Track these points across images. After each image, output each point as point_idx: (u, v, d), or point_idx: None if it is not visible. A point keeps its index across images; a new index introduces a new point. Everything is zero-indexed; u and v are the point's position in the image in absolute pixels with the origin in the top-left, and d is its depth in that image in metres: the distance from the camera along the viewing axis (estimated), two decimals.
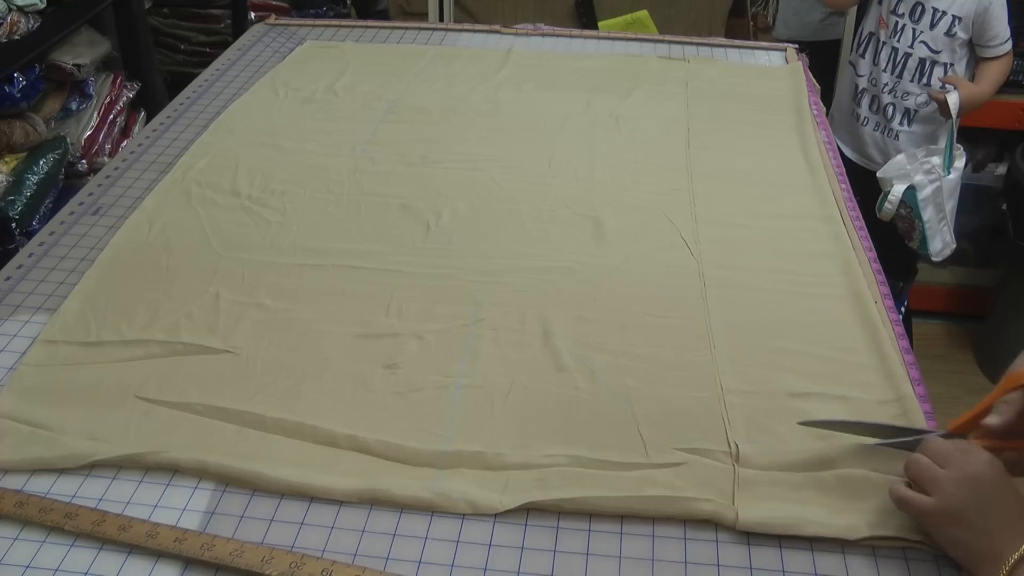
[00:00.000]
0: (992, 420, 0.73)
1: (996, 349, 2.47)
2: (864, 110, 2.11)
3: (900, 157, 1.95)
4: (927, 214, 1.92)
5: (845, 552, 0.71)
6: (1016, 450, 0.74)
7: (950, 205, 1.97)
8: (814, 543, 0.72)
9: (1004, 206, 2.43)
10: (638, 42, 1.69)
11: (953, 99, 1.88)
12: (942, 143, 1.98)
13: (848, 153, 2.19)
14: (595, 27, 2.50)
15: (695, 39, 1.70)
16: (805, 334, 0.94)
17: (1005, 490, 0.69)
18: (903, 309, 2.32)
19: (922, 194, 1.92)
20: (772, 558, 0.71)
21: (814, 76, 1.56)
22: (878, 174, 1.95)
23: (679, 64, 1.57)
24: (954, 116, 1.89)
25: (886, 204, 1.92)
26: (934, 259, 1.99)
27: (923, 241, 1.96)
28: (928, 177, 1.91)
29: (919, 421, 0.82)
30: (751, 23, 2.64)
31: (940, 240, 1.97)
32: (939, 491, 0.70)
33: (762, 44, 1.72)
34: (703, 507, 0.73)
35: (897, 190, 1.91)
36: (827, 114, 2.33)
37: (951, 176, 1.93)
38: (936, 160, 1.91)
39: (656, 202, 1.16)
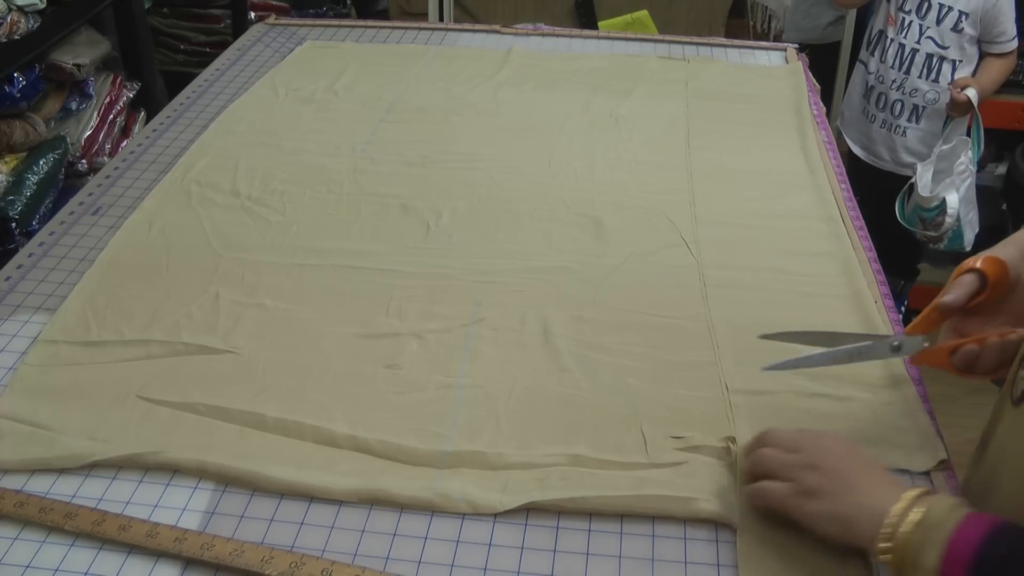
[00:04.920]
0: (947, 298, 0.74)
1: None
2: (873, 107, 2.11)
3: (921, 168, 1.95)
4: (961, 210, 1.93)
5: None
6: (977, 343, 0.75)
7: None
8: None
9: (1004, 206, 2.43)
10: (638, 42, 1.69)
11: (972, 94, 1.91)
12: (945, 143, 1.98)
13: (858, 151, 2.19)
14: (595, 27, 2.50)
15: (695, 39, 1.70)
16: None
17: (858, 457, 0.70)
18: (903, 309, 2.32)
19: (959, 194, 1.93)
20: None
21: (816, 77, 1.56)
22: (920, 192, 1.95)
23: (679, 64, 1.57)
24: (975, 108, 1.92)
25: (947, 220, 1.92)
26: (967, 249, 2.00)
27: (955, 238, 1.97)
28: (961, 177, 1.92)
29: (924, 425, 0.82)
30: (751, 24, 2.64)
31: (971, 230, 1.99)
32: (794, 474, 0.70)
33: (762, 44, 1.72)
34: (703, 507, 0.73)
35: (953, 201, 1.91)
36: (835, 112, 2.34)
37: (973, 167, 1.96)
38: (965, 158, 1.92)
39: (656, 202, 1.16)
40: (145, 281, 1.00)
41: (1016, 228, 2.40)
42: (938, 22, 1.96)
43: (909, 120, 2.06)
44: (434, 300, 0.98)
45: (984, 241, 2.01)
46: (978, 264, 0.75)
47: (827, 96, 2.44)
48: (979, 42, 1.99)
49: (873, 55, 2.09)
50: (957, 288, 0.75)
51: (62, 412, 0.82)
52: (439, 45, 1.65)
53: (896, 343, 0.77)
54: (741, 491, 0.74)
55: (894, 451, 0.79)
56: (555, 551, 0.71)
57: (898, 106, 2.06)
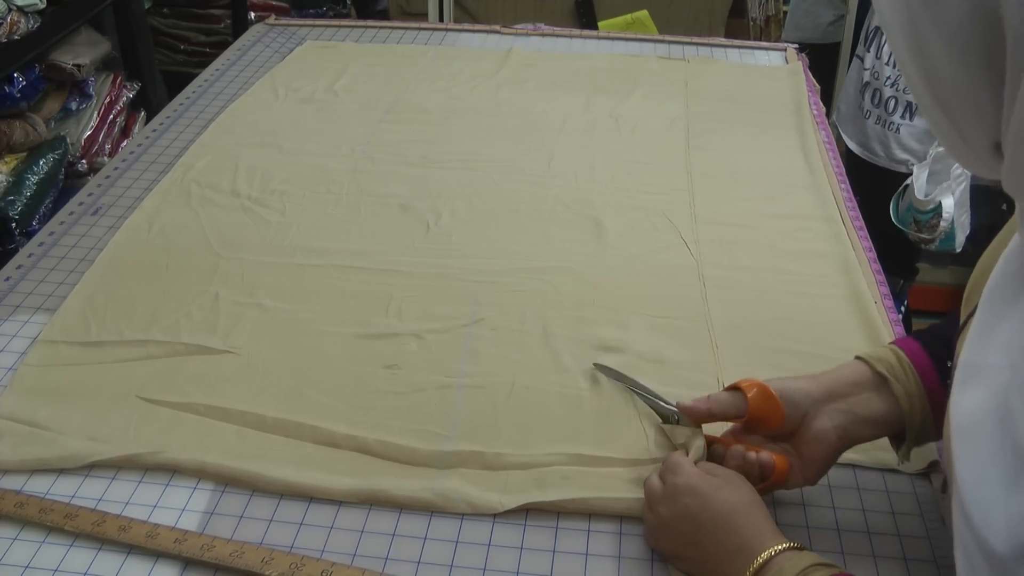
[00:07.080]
0: (688, 401, 0.74)
1: None
2: (868, 103, 2.12)
3: (917, 170, 1.95)
4: (955, 213, 1.93)
5: (844, 553, 0.71)
6: (723, 446, 0.73)
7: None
8: (814, 545, 0.72)
9: (1004, 206, 2.42)
10: (638, 42, 1.69)
11: None
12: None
13: (853, 147, 2.19)
14: (595, 27, 2.50)
15: (695, 39, 1.70)
16: (806, 334, 0.94)
17: (712, 513, 0.67)
18: (903, 309, 2.32)
19: (954, 198, 1.93)
20: None
21: (816, 77, 1.56)
22: (917, 195, 1.95)
23: (679, 64, 1.57)
24: None
25: (942, 224, 1.92)
26: (957, 250, 2.00)
27: (946, 240, 1.96)
28: (956, 181, 1.92)
29: None
30: (751, 23, 2.64)
31: (962, 232, 1.99)
32: (653, 509, 0.70)
33: (762, 44, 1.72)
34: None
35: (948, 205, 1.90)
36: (833, 108, 2.34)
37: None
38: None
39: (656, 202, 1.16)
40: (145, 281, 1.00)
41: None
42: None
43: (903, 117, 2.06)
44: (434, 300, 0.98)
45: (983, 240, 2.01)
46: (750, 392, 0.71)
47: (827, 96, 2.44)
48: None
49: (869, 51, 2.09)
50: (711, 400, 0.73)
51: (62, 412, 0.82)
52: (439, 45, 1.65)
53: (676, 418, 0.76)
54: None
55: (886, 452, 0.79)
56: (554, 551, 0.71)
57: (892, 102, 2.06)
